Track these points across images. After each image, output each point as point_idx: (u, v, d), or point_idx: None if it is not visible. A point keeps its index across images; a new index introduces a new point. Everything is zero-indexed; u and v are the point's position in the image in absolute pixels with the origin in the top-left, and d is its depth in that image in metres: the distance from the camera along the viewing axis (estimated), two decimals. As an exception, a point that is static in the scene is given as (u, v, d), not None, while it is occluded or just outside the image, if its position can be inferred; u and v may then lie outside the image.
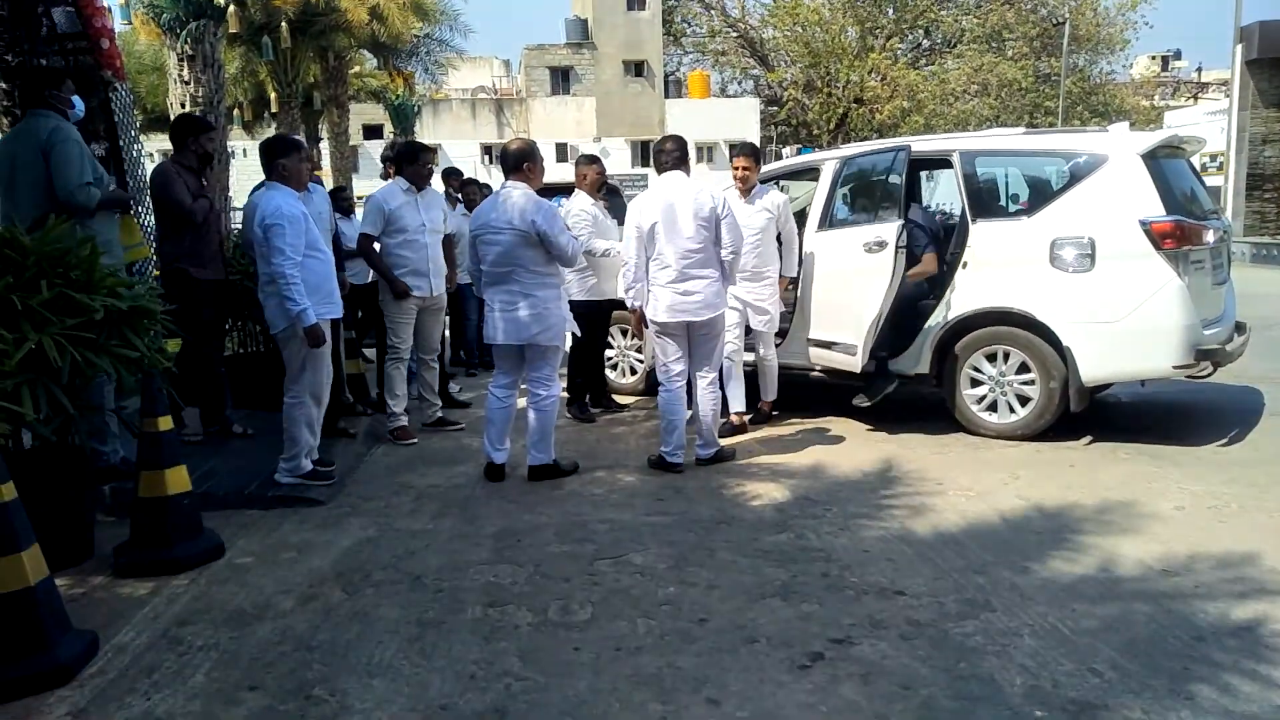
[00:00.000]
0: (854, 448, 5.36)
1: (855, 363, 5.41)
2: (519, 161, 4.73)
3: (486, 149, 36.96)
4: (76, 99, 4.45)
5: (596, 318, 6.08)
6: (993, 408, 5.41)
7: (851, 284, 5.46)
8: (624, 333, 6.80)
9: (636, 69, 36.77)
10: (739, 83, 41.21)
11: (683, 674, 2.76)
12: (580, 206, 5.99)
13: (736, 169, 5.67)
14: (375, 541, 3.97)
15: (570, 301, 5.13)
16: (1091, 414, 5.48)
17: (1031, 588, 3.31)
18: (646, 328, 4.98)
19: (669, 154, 4.92)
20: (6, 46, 7.30)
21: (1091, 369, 5.11)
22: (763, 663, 2.82)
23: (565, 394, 5.74)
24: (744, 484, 4.66)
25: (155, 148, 28.71)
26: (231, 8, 11.95)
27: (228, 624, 3.17)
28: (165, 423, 3.67)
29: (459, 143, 35.72)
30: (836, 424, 5.91)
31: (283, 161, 4.60)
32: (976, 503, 4.29)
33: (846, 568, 3.54)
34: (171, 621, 3.19)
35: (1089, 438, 5.31)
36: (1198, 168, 6.00)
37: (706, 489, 4.60)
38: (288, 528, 4.16)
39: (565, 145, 35.06)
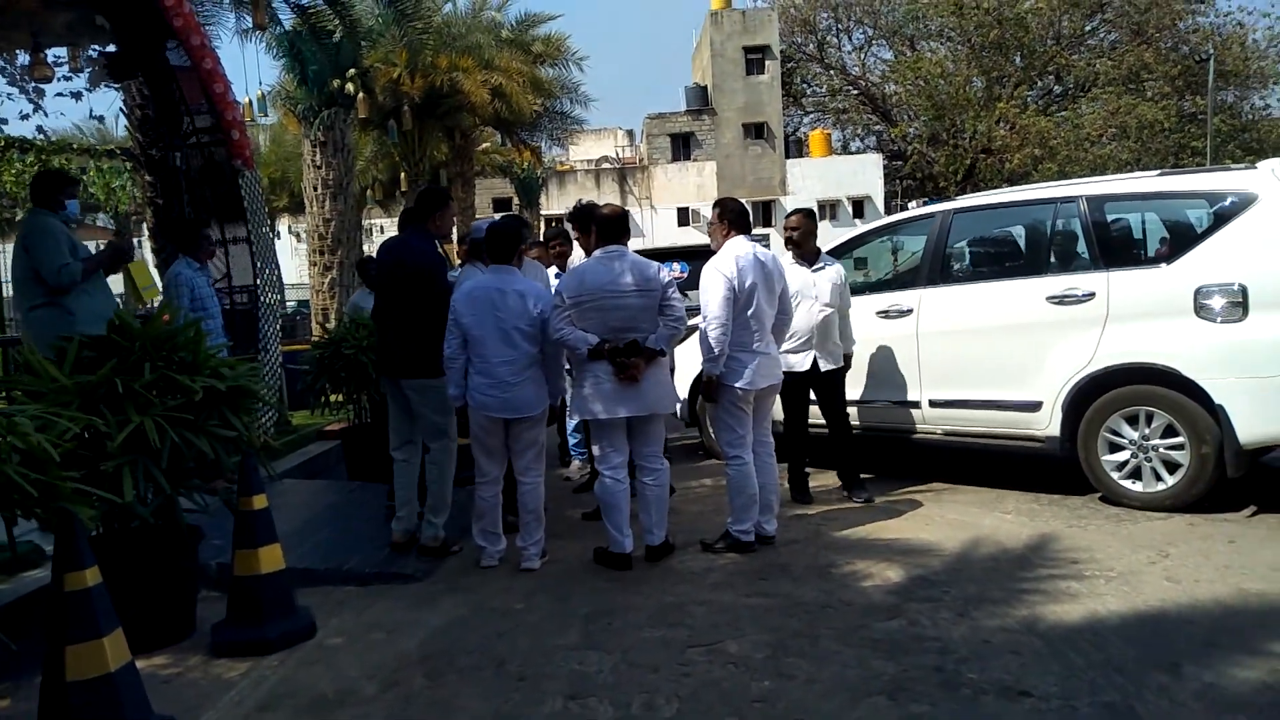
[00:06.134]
0: (976, 519, 4.94)
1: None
2: (625, 227, 4.55)
3: (610, 217, 37.75)
4: (72, 202, 5.32)
5: None
6: (1136, 475, 4.90)
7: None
8: None
9: (757, 131, 36.85)
10: (861, 139, 40.77)
11: (772, 785, 2.50)
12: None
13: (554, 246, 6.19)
14: (465, 621, 3.86)
15: None
16: (1254, 481, 4.90)
17: (1185, 693, 2.88)
18: (714, 400, 4.64)
19: (745, 215, 4.84)
20: (151, 142, 7.93)
21: (1250, 429, 4.56)
22: (863, 774, 2.52)
23: None
24: (854, 562, 4.34)
25: (304, 228, 30.61)
26: (361, 95, 12.62)
27: (309, 711, 3.10)
28: (260, 501, 3.70)
29: (583, 212, 36.62)
30: (956, 492, 5.50)
31: (522, 248, 4.87)
32: (1118, 585, 3.84)
33: (964, 661, 3.18)
34: (254, 707, 3.15)
35: (1252, 509, 4.74)
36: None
37: (813, 567, 4.30)
38: (381, 606, 4.11)
39: (686, 209, 35.49)
